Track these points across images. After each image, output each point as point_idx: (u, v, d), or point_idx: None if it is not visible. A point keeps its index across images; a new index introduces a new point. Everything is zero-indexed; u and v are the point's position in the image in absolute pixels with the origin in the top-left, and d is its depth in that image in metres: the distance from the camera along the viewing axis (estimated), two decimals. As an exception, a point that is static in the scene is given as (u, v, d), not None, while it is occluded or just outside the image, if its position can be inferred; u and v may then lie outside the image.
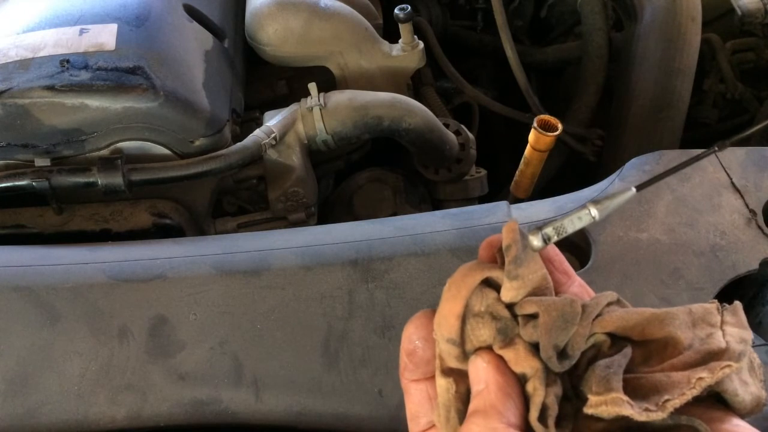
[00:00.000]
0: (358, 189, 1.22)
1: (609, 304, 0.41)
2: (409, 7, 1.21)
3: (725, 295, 0.82)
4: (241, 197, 1.12)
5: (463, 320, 0.40)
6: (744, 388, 0.38)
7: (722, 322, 0.41)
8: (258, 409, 0.75)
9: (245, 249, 0.85)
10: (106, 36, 0.98)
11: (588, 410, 0.37)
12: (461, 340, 0.40)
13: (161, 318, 0.79)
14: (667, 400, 0.36)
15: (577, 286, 0.45)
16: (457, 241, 0.83)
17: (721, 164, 0.90)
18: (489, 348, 0.40)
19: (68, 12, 1.03)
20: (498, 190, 1.32)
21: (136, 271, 0.82)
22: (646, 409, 0.36)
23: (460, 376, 0.41)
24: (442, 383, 0.41)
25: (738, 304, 0.42)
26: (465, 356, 0.40)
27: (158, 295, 0.80)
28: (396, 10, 1.21)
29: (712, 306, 0.41)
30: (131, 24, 1.01)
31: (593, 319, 0.39)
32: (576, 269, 0.82)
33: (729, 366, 0.37)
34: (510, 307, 0.40)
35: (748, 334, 0.40)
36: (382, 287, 0.80)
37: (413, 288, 0.80)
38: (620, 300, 0.42)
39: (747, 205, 0.86)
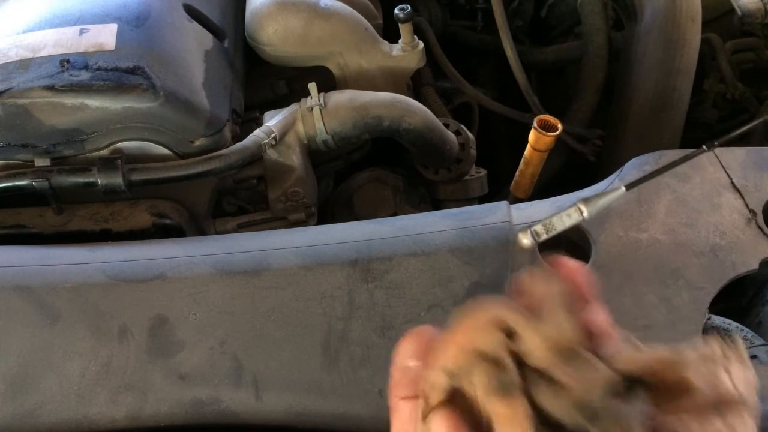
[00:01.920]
0: (358, 189, 1.22)
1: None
2: (409, 7, 1.21)
3: (725, 295, 0.82)
4: (241, 197, 1.12)
5: (465, 356, 0.38)
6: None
7: (726, 361, 0.40)
8: (258, 409, 0.75)
9: (245, 249, 0.85)
10: (106, 36, 0.98)
11: None
12: (454, 374, 0.39)
13: (161, 318, 0.79)
14: None
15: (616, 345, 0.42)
16: (457, 241, 0.83)
17: (721, 164, 0.90)
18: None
19: (68, 12, 1.03)
20: (498, 190, 1.31)
21: (136, 271, 0.82)
22: None
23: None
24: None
25: (739, 340, 0.42)
26: (451, 390, 0.39)
27: (158, 295, 0.80)
28: (396, 10, 1.21)
29: (716, 343, 0.41)
30: (131, 24, 1.01)
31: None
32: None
33: (740, 414, 0.37)
34: (520, 360, 0.38)
35: (752, 374, 0.40)
36: (382, 287, 0.80)
37: (413, 288, 0.80)
38: (630, 338, 0.41)
39: (747, 205, 0.86)
